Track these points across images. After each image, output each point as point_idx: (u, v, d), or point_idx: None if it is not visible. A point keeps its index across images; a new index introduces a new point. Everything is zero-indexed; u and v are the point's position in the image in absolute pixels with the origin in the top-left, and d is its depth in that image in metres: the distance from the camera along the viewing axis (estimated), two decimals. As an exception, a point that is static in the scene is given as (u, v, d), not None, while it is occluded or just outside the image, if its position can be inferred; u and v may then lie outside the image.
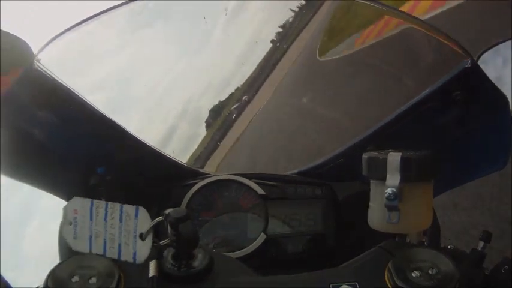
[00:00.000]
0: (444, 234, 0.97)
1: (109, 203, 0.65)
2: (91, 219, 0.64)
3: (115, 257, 0.62)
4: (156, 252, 0.63)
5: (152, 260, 0.62)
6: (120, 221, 0.64)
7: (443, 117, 0.98)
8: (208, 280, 0.63)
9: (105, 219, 0.64)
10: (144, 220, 0.64)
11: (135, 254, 0.62)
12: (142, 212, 0.64)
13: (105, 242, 0.63)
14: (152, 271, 0.60)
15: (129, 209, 0.64)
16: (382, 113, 1.04)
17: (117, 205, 0.64)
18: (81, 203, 0.65)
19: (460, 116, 0.96)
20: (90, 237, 0.63)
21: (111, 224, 0.64)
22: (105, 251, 0.63)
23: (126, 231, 0.63)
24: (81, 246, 0.63)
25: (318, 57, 7.59)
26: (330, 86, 5.64)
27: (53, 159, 0.94)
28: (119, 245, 0.63)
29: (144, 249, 0.62)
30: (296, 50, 8.05)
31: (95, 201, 0.65)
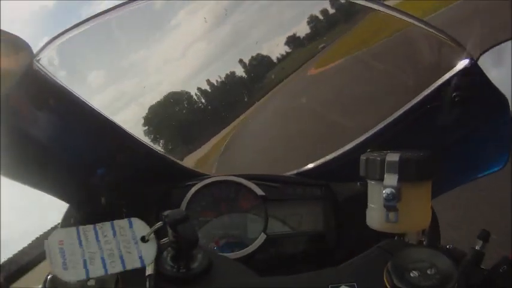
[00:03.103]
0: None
1: (96, 224, 0.63)
2: (81, 245, 0.61)
3: (119, 269, 0.60)
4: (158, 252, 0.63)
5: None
6: (114, 236, 0.63)
7: (443, 117, 0.98)
8: (207, 281, 0.63)
9: (97, 239, 0.62)
10: (140, 227, 0.64)
11: (141, 257, 0.62)
12: (136, 221, 0.64)
13: (103, 260, 0.60)
14: (149, 270, 0.60)
15: (121, 222, 0.64)
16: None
17: (107, 224, 0.63)
18: (66, 233, 0.62)
19: (459, 116, 0.96)
20: (85, 262, 0.60)
21: (106, 241, 0.62)
22: (106, 269, 0.60)
23: (125, 241, 0.62)
24: (75, 275, 0.59)
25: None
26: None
27: (53, 160, 0.94)
28: (121, 257, 0.61)
29: (150, 250, 0.62)
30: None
31: (81, 227, 0.62)
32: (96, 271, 0.59)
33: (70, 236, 0.61)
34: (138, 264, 0.61)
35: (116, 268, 0.60)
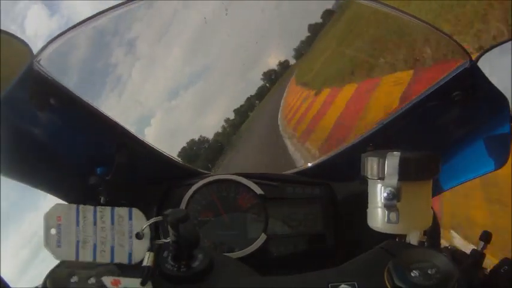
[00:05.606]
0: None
1: (98, 207, 0.63)
2: (78, 225, 0.61)
3: (107, 260, 0.61)
4: (154, 246, 0.63)
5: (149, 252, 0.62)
6: (112, 223, 0.62)
7: (442, 117, 0.98)
8: (208, 280, 0.63)
9: (94, 223, 0.62)
10: (139, 221, 0.63)
11: (130, 254, 0.62)
12: (137, 213, 0.64)
13: (95, 247, 0.61)
14: (146, 261, 0.60)
15: (121, 211, 0.63)
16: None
17: (107, 208, 0.63)
18: (65, 209, 0.62)
19: (459, 116, 0.96)
20: (78, 243, 0.60)
21: (102, 227, 0.62)
22: (95, 256, 0.61)
23: (120, 232, 0.62)
24: (67, 255, 0.60)
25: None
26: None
27: (53, 159, 0.94)
28: (112, 248, 0.61)
29: (140, 248, 0.62)
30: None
31: (81, 206, 0.62)
32: (86, 256, 0.60)
33: (69, 213, 0.62)
34: (125, 261, 0.61)
35: (104, 258, 0.61)
